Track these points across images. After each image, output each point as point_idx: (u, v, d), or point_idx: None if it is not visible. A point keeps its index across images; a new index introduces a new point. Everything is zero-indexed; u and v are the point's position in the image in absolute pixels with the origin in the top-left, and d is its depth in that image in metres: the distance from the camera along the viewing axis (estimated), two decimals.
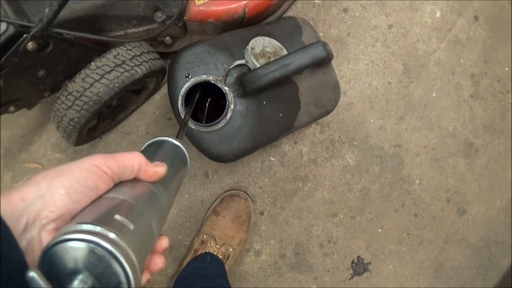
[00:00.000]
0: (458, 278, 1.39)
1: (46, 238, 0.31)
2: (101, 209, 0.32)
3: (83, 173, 0.33)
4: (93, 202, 0.34)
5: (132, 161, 0.37)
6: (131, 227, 0.31)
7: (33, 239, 0.31)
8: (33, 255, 0.31)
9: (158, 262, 0.37)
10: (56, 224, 0.31)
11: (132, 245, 0.29)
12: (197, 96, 0.87)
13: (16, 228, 0.30)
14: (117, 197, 0.34)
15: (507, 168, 1.41)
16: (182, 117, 0.88)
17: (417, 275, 1.36)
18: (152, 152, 0.47)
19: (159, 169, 0.40)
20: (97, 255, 0.28)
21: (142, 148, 0.49)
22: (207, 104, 1.05)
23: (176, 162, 0.48)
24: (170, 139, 0.50)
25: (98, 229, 0.28)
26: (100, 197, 0.34)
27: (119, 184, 0.37)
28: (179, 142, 0.51)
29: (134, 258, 0.29)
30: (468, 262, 1.40)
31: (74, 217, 0.32)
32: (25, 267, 0.28)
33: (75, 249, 0.28)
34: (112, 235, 0.28)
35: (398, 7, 1.29)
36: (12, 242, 0.29)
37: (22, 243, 0.31)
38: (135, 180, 0.39)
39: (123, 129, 1.17)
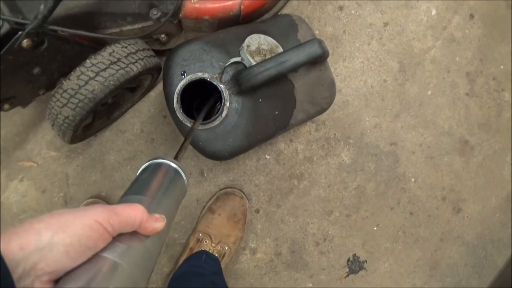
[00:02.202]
0: (454, 276, 1.40)
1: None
2: (93, 275, 0.33)
3: (85, 232, 0.33)
4: (88, 261, 0.34)
5: (134, 217, 0.37)
6: None
7: None
8: None
9: None
10: (50, 276, 0.32)
11: None
12: (205, 110, 0.87)
13: None
14: (112, 259, 0.35)
15: (503, 166, 1.41)
16: (178, 115, 0.88)
17: (413, 273, 1.36)
18: (147, 182, 0.45)
19: (158, 225, 0.40)
20: None
21: (139, 171, 0.48)
22: (208, 104, 1.05)
23: (174, 195, 0.47)
24: (169, 162, 0.48)
25: None
26: (96, 255, 0.35)
27: (116, 238, 0.37)
28: (179, 168, 0.49)
29: None
30: (463, 260, 1.40)
31: (68, 273, 0.33)
32: None
33: None
34: None
35: (394, 5, 1.30)
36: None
37: None
38: (133, 233, 0.39)
39: (118, 127, 1.17)
